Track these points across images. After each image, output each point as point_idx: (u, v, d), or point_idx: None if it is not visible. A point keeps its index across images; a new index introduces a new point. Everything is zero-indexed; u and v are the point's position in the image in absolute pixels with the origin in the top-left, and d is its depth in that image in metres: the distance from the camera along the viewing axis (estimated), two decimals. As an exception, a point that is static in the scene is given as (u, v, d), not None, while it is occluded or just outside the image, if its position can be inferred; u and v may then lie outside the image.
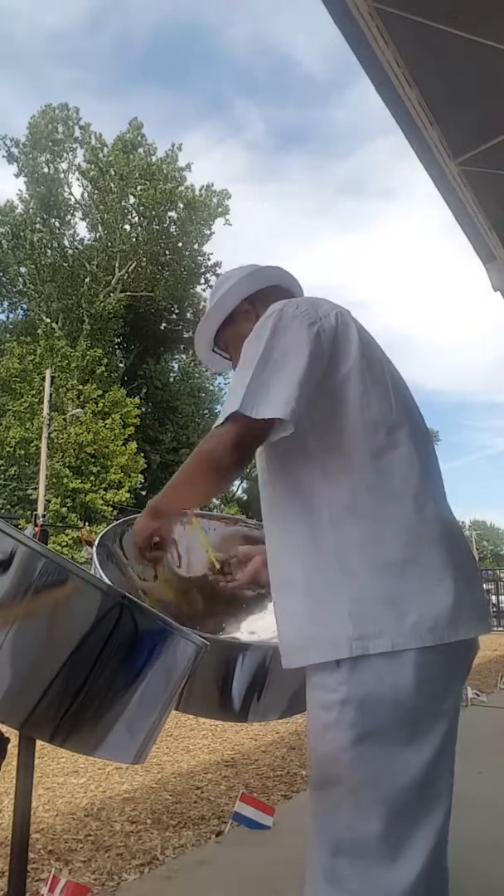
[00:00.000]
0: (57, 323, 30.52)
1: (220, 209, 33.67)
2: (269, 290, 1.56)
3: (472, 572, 1.27)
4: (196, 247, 33.97)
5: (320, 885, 1.12)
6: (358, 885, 1.08)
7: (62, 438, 26.41)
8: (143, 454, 29.47)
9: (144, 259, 32.03)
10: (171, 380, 36.38)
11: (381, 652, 1.11)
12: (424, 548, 1.17)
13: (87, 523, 24.60)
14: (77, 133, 32.01)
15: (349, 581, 1.15)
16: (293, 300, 1.34)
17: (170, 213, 32.60)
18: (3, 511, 25.26)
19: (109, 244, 31.73)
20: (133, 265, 31.84)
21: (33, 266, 30.83)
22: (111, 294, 31.24)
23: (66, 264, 30.98)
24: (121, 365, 34.28)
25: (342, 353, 1.26)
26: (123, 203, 31.70)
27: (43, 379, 25.87)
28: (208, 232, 33.91)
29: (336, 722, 1.12)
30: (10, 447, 26.23)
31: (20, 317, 33.49)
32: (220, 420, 1.19)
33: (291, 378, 1.17)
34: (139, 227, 32.20)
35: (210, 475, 1.23)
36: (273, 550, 1.31)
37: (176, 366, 38.05)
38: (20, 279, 32.33)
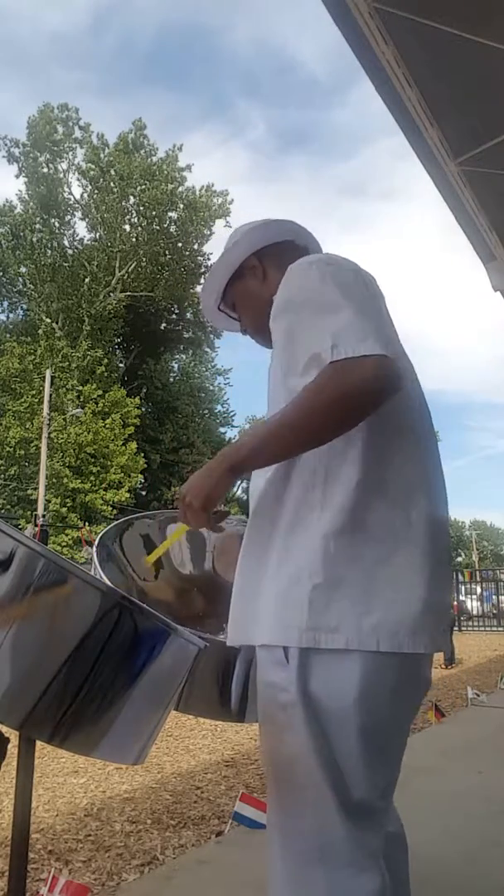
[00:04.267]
0: (57, 323, 30.52)
1: (221, 211, 33.68)
2: (280, 246, 1.44)
3: (447, 583, 1.19)
4: (196, 247, 33.98)
5: (286, 891, 1.08)
6: (325, 891, 1.05)
7: (62, 438, 26.40)
8: (143, 454, 29.47)
9: (144, 259, 32.02)
10: (171, 380, 36.38)
11: (333, 649, 1.05)
12: (404, 549, 1.10)
13: (87, 523, 24.58)
14: (77, 133, 32.06)
15: (317, 568, 1.07)
16: (317, 255, 1.24)
17: (170, 214, 32.61)
18: (3, 511, 25.25)
19: (109, 244, 31.72)
20: (133, 265, 31.83)
21: (33, 266, 30.83)
22: (111, 294, 31.24)
23: (66, 264, 30.98)
24: (121, 365, 34.28)
25: None
26: (123, 203, 31.71)
27: (43, 379, 25.87)
28: (208, 232, 33.93)
29: (292, 725, 1.07)
30: (10, 447, 26.22)
31: (20, 317, 33.50)
32: (332, 359, 1.03)
33: (378, 312, 1.13)
34: (139, 228, 32.20)
35: (346, 415, 1.05)
36: (257, 523, 1.21)
37: (176, 366, 38.06)
38: (20, 279, 32.33)
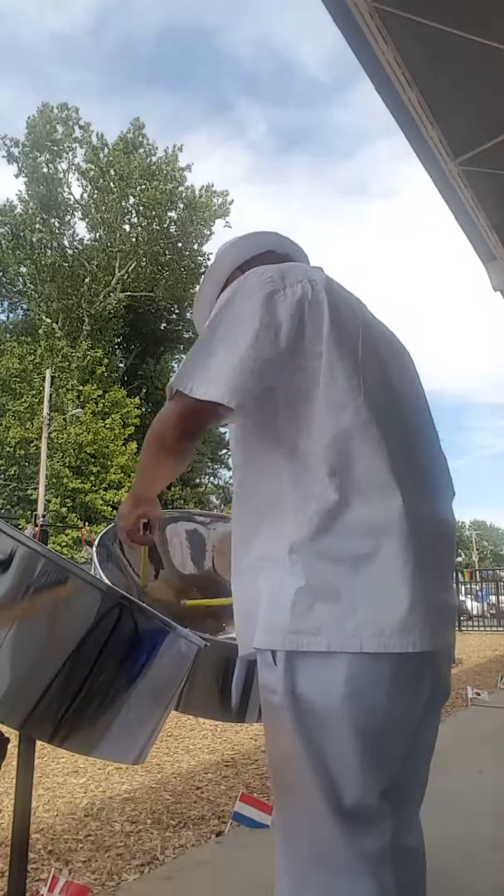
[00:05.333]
0: (57, 323, 30.51)
1: (221, 211, 33.69)
2: (263, 258, 1.46)
3: (441, 579, 1.16)
4: (196, 247, 33.99)
5: (286, 891, 1.09)
6: (319, 894, 1.05)
7: (62, 438, 26.40)
8: (143, 454, 29.42)
9: (144, 259, 32.02)
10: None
11: (316, 651, 1.04)
12: (385, 547, 1.08)
13: (87, 523, 24.58)
14: (77, 133, 32.06)
15: (298, 571, 1.07)
16: (264, 267, 1.24)
17: (170, 214, 32.62)
18: (3, 511, 25.24)
19: (109, 244, 31.72)
20: (133, 265, 31.83)
21: (33, 266, 30.82)
22: (111, 294, 31.23)
23: (66, 264, 30.98)
24: (121, 365, 34.28)
25: (311, 326, 1.16)
26: (123, 203, 31.70)
27: (43, 379, 25.87)
28: (208, 232, 33.94)
29: (282, 726, 1.07)
30: (10, 447, 26.22)
31: (20, 317, 33.48)
32: (168, 396, 1.19)
33: (232, 354, 1.11)
34: (139, 228, 32.20)
35: (160, 453, 1.24)
36: (237, 532, 1.24)
37: (176, 366, 38.04)
38: (20, 279, 32.31)
